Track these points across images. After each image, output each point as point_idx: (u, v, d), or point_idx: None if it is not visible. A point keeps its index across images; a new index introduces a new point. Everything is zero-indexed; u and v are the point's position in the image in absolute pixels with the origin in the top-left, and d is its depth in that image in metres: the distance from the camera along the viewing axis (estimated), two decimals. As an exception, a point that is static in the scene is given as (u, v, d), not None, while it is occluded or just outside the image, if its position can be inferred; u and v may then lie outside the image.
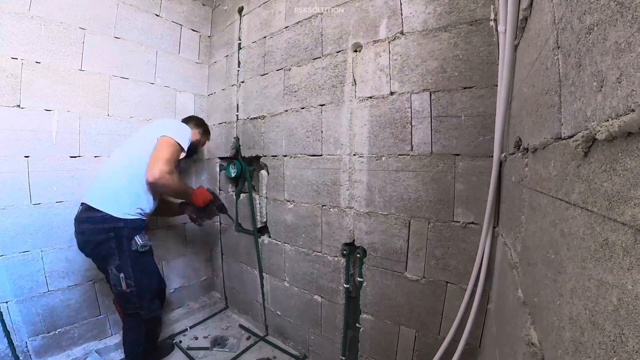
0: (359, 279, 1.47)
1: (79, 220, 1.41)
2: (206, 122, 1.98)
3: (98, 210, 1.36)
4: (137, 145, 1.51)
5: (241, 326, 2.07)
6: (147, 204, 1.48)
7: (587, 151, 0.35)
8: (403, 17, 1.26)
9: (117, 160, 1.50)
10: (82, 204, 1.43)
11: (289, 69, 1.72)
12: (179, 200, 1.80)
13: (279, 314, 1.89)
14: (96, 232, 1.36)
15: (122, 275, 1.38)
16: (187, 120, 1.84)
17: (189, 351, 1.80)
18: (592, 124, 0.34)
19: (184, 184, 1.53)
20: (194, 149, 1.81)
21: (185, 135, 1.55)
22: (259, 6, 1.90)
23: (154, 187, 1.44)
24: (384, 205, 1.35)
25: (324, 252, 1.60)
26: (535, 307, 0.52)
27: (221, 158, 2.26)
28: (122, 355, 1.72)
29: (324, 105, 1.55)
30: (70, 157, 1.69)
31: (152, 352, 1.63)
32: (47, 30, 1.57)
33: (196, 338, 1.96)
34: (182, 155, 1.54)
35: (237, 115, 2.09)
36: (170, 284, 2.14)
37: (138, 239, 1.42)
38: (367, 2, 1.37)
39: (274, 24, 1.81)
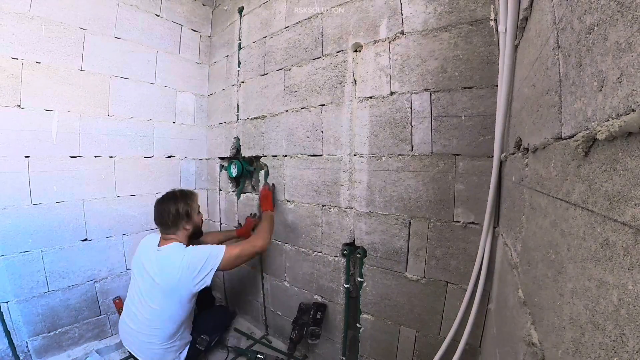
0: (359, 279, 1.47)
1: None
2: (188, 191, 1.59)
3: None
4: (160, 302, 1.34)
5: (237, 330, 2.03)
6: (181, 339, 1.47)
7: (587, 151, 0.35)
8: (403, 17, 1.26)
9: (144, 320, 1.37)
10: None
11: (289, 69, 1.72)
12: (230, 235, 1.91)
13: (279, 314, 1.89)
14: None
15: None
16: (173, 221, 1.45)
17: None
18: (593, 123, 0.34)
19: (262, 226, 1.55)
20: (198, 229, 1.57)
21: (203, 254, 1.35)
22: (259, 6, 1.90)
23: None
24: (384, 205, 1.35)
25: (324, 252, 1.60)
26: (536, 307, 0.52)
27: (221, 158, 2.26)
28: (122, 355, 1.72)
29: (324, 105, 1.55)
30: (71, 157, 1.69)
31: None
32: (48, 31, 1.57)
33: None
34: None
35: (238, 115, 2.09)
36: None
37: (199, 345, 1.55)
38: (367, 2, 1.37)
39: (274, 24, 1.81)
